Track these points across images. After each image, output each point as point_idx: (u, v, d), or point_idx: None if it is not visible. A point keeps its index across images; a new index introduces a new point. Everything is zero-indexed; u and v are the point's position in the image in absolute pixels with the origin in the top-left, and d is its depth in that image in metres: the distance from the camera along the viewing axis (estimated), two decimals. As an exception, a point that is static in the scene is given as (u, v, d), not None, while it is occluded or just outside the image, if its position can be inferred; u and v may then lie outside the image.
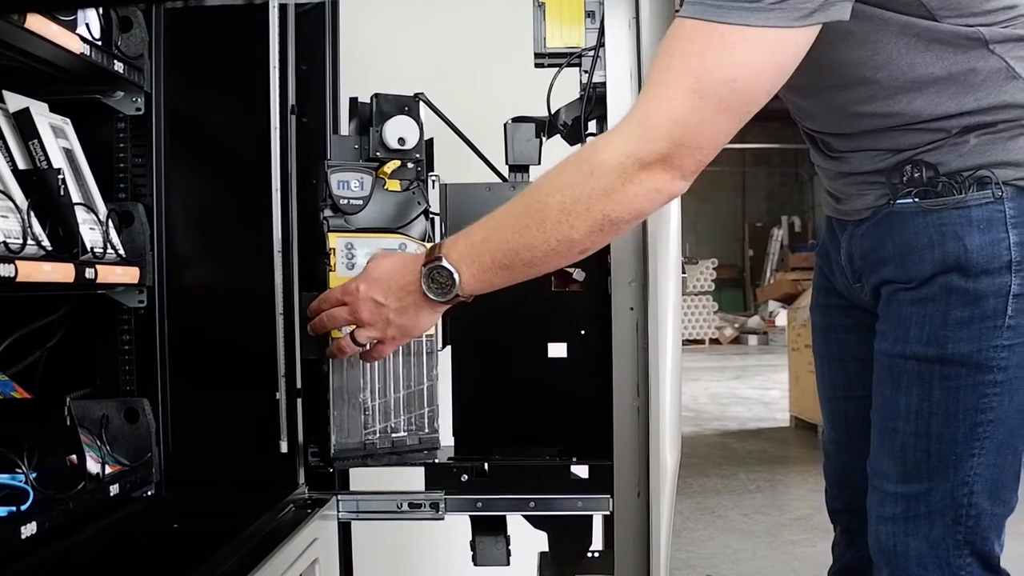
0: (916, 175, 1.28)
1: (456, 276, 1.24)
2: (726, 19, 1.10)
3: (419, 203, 1.54)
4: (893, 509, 1.32)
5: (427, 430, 1.53)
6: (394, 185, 1.52)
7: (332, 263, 1.47)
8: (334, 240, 1.48)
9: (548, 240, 1.19)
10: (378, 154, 1.53)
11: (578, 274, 1.53)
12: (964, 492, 1.28)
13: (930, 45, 1.23)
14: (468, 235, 1.26)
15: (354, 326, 1.36)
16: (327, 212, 1.49)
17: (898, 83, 1.26)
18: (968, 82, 1.25)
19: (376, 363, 1.50)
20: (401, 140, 1.53)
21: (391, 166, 1.51)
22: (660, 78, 1.15)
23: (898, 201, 1.30)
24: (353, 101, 1.57)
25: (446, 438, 1.59)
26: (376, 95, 1.54)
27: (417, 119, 1.55)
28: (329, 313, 1.38)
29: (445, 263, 1.24)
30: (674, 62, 1.14)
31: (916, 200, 1.28)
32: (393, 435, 1.51)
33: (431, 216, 1.56)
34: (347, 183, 1.50)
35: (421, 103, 1.57)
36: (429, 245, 1.31)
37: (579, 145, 1.56)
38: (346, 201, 1.49)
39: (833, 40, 1.21)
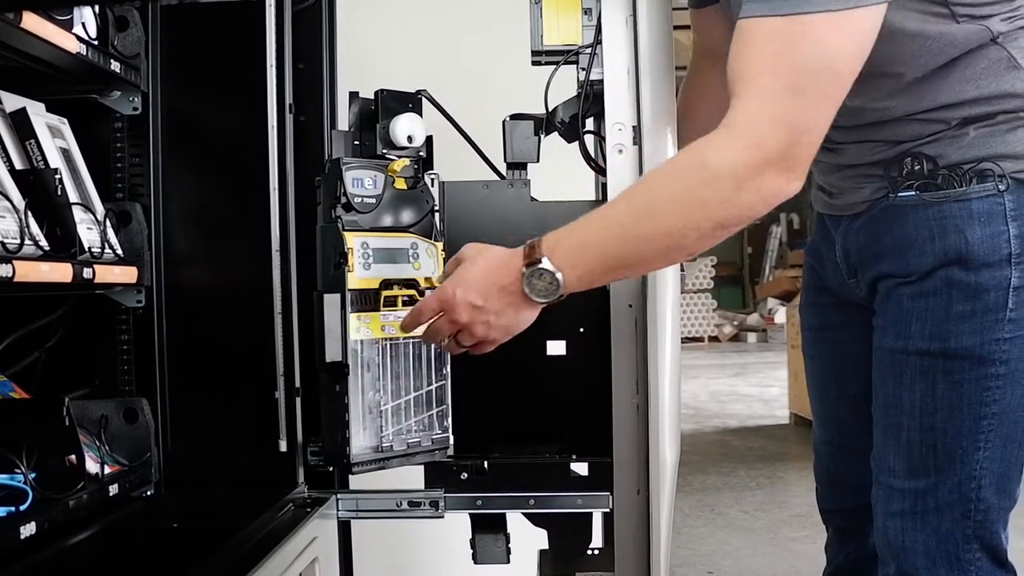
0: (917, 168, 1.28)
1: (560, 278, 1.22)
2: (806, 9, 1.09)
3: (427, 201, 1.54)
4: (900, 505, 1.32)
5: (438, 430, 1.53)
6: (400, 183, 1.52)
7: (350, 263, 1.43)
8: (351, 239, 1.45)
9: (658, 248, 1.19)
10: (384, 151, 1.53)
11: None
12: (972, 486, 1.28)
13: (944, 45, 1.24)
14: (571, 237, 1.22)
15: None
16: (340, 211, 1.46)
17: (905, 78, 1.26)
18: (969, 71, 1.25)
19: (389, 366, 1.48)
20: (410, 138, 1.52)
21: (400, 164, 1.50)
22: (755, 84, 1.13)
23: (899, 194, 1.30)
24: (353, 95, 1.56)
25: (447, 436, 1.59)
26: (381, 91, 1.53)
27: (420, 116, 1.55)
28: (432, 328, 1.34)
29: (548, 265, 1.21)
30: (765, 65, 1.13)
31: (917, 193, 1.28)
32: (407, 437, 1.50)
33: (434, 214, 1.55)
34: (361, 181, 1.48)
35: (424, 100, 1.56)
36: (524, 245, 1.25)
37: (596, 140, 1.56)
38: (360, 199, 1.47)
39: None
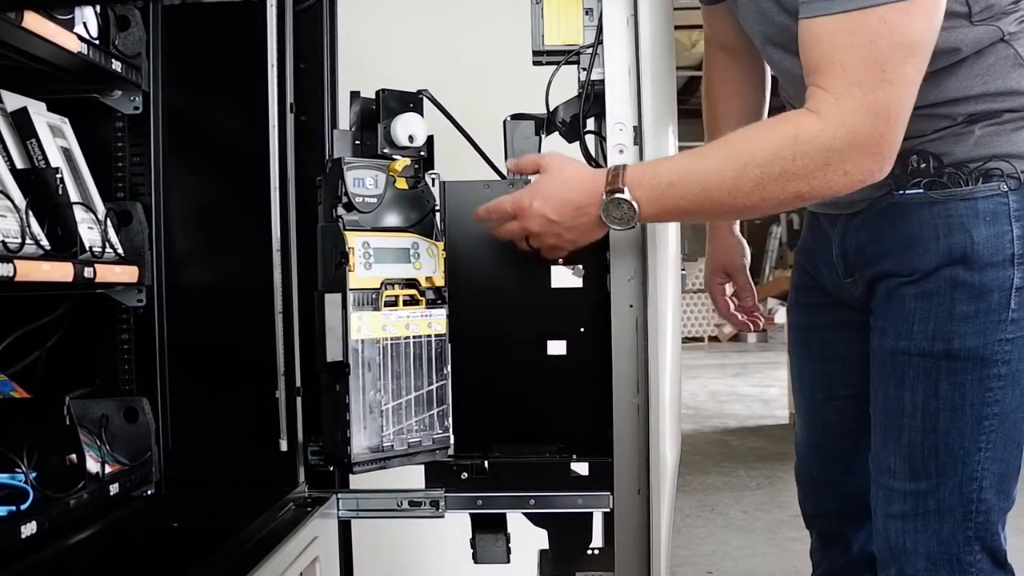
0: (922, 166, 1.28)
1: (637, 210, 1.26)
2: (878, 0, 1.11)
3: (428, 201, 1.54)
4: (901, 507, 1.32)
5: (438, 430, 1.53)
6: (401, 183, 1.52)
7: (351, 263, 1.43)
8: (352, 239, 1.45)
9: (735, 203, 1.22)
10: (385, 151, 1.53)
11: (577, 271, 1.53)
12: (973, 487, 1.28)
13: (956, 45, 1.24)
14: (655, 174, 1.26)
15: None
16: (341, 210, 1.46)
17: None
18: (977, 67, 1.25)
19: (390, 366, 1.48)
20: (411, 137, 1.52)
21: (402, 163, 1.50)
22: (843, 77, 1.15)
23: (906, 192, 1.30)
24: (355, 95, 1.56)
25: (447, 436, 1.59)
26: (382, 91, 1.53)
27: (421, 116, 1.54)
28: (504, 228, 1.39)
29: (628, 196, 1.25)
30: (849, 60, 1.15)
31: (924, 190, 1.28)
32: (408, 437, 1.50)
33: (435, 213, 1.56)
34: (362, 180, 1.48)
35: (425, 100, 1.56)
36: (606, 170, 1.29)
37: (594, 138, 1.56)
38: (361, 199, 1.47)
39: None
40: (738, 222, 1.69)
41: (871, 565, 1.52)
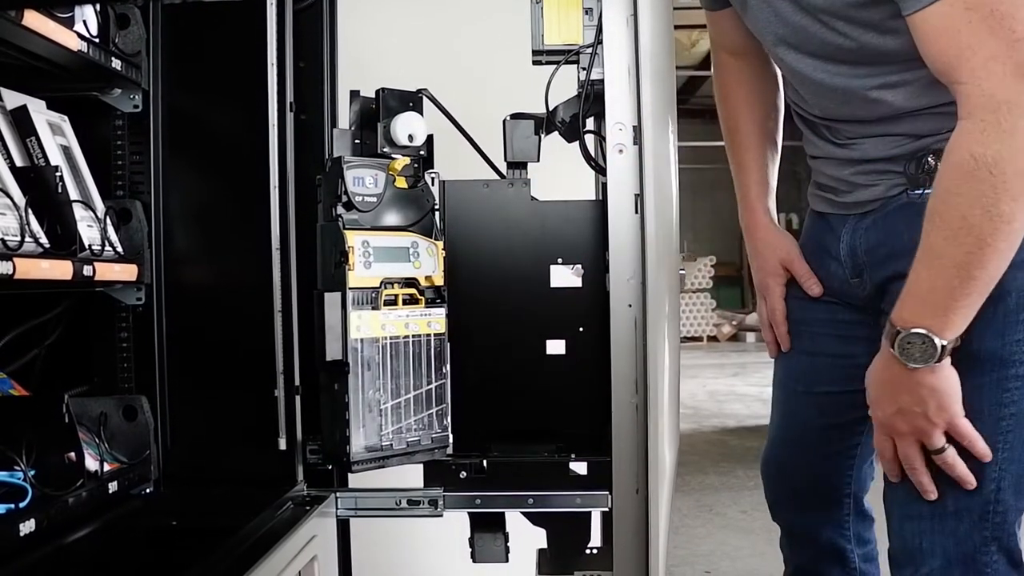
0: (938, 165, 1.26)
1: (930, 336, 1.20)
2: None
3: (428, 200, 1.54)
4: (918, 507, 1.31)
5: (437, 429, 1.53)
6: (401, 182, 1.52)
7: (351, 262, 1.43)
8: (352, 238, 1.45)
9: (993, 253, 1.16)
10: (385, 150, 1.53)
11: (576, 271, 1.53)
12: (991, 488, 1.27)
13: None
14: (909, 293, 1.22)
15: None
16: (340, 209, 1.46)
17: (929, 71, 1.25)
18: None
19: (389, 365, 1.48)
20: (410, 137, 1.52)
21: (401, 163, 1.50)
22: (975, 59, 1.12)
23: (923, 191, 1.28)
24: (354, 94, 1.56)
25: (448, 435, 1.59)
26: (381, 90, 1.53)
27: (421, 115, 1.55)
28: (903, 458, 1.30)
29: (920, 330, 1.20)
30: (975, 39, 1.12)
31: None
32: (407, 436, 1.50)
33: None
34: (362, 179, 1.48)
35: (424, 99, 1.56)
36: (886, 331, 1.23)
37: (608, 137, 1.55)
38: (361, 198, 1.47)
39: (884, 31, 1.22)
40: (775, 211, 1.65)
41: (839, 558, 1.52)
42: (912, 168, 1.29)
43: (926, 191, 1.26)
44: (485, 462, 1.54)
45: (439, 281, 1.53)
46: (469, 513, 1.59)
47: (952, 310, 1.20)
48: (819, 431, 1.48)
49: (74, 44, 1.33)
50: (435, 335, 1.52)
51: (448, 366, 1.53)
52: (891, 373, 1.25)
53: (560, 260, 1.53)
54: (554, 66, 1.53)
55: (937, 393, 1.24)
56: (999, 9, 1.11)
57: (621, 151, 1.46)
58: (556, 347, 1.58)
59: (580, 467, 1.54)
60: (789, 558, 1.60)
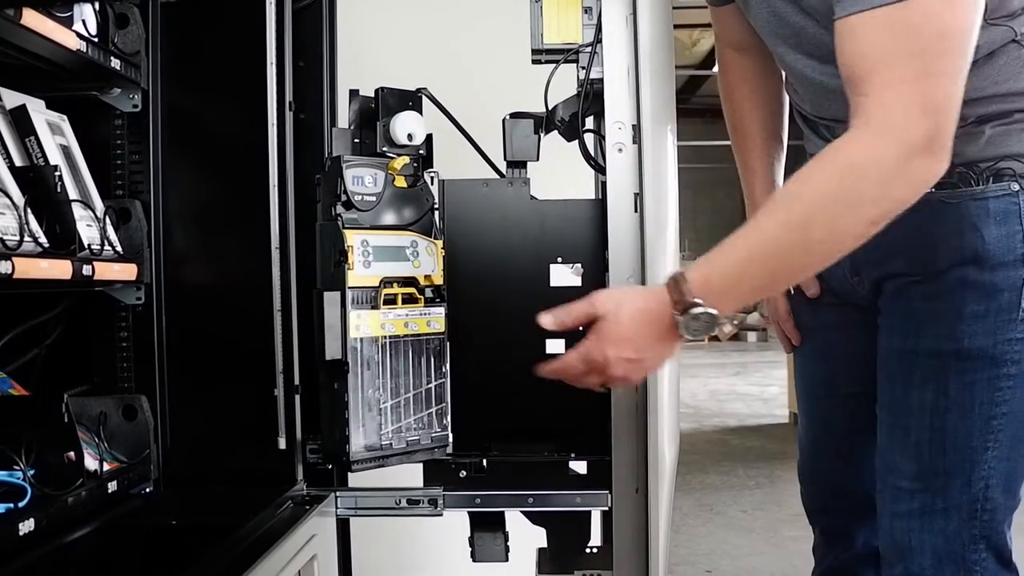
0: None
1: (716, 314, 1.15)
2: None
3: (427, 199, 1.54)
4: (908, 505, 1.31)
5: (437, 428, 1.53)
6: (400, 181, 1.52)
7: (350, 261, 1.43)
8: (351, 237, 1.44)
9: (812, 260, 1.17)
10: (384, 149, 1.53)
11: (576, 270, 1.53)
12: (980, 486, 1.28)
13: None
14: (723, 274, 1.15)
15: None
16: (340, 208, 1.46)
17: None
18: (988, 68, 1.24)
19: (389, 364, 1.48)
20: (410, 136, 1.52)
21: (401, 162, 1.50)
22: (886, 75, 1.11)
23: None
24: (354, 93, 1.56)
25: (447, 434, 1.59)
26: (381, 89, 1.53)
27: (420, 114, 1.54)
28: (580, 382, 1.26)
29: (705, 308, 1.14)
30: (892, 56, 1.11)
31: (933, 191, 1.27)
32: (406, 435, 1.50)
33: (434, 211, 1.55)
34: (361, 179, 1.48)
35: (424, 98, 1.56)
36: (665, 289, 1.16)
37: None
38: (360, 197, 1.47)
39: None
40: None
41: (874, 561, 1.51)
42: None
43: None
44: (485, 461, 1.54)
45: (438, 280, 1.53)
46: (469, 512, 1.59)
47: (747, 297, 1.19)
48: (846, 434, 1.48)
49: (73, 43, 1.33)
50: (434, 334, 1.52)
51: (448, 365, 1.53)
52: (657, 331, 1.18)
53: (560, 259, 1.53)
54: (553, 65, 1.52)
55: (667, 356, 1.22)
56: (920, 38, 1.10)
57: (620, 150, 1.46)
58: (556, 346, 1.57)
59: (580, 466, 1.54)
60: (822, 559, 1.60)
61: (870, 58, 1.12)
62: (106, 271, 1.42)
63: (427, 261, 1.51)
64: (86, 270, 1.34)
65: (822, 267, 1.20)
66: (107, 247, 1.45)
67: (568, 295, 1.54)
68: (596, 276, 1.53)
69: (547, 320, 1.23)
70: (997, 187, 1.25)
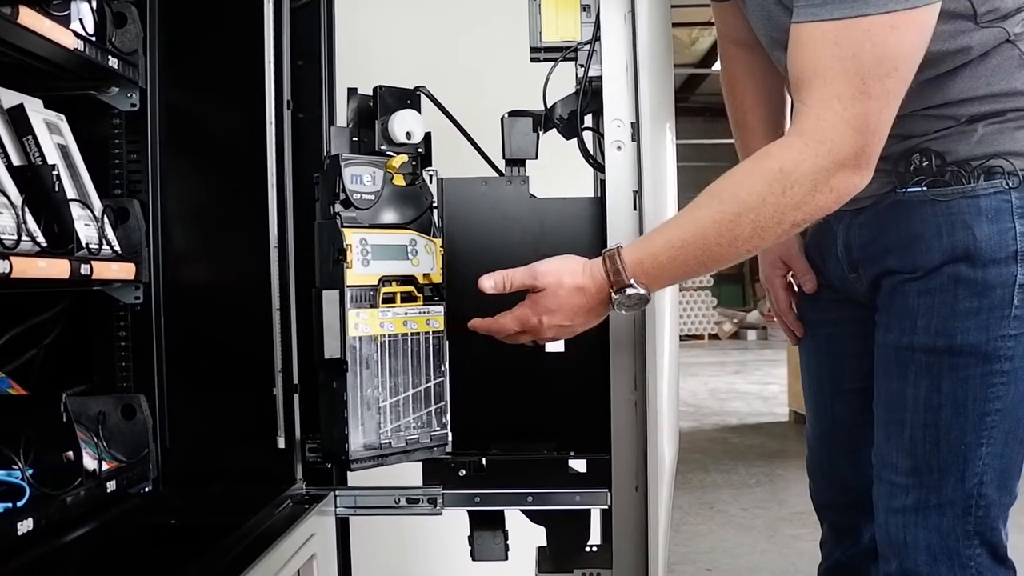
0: (924, 164, 1.28)
1: (646, 294, 1.28)
2: (866, 11, 1.11)
3: (426, 197, 1.53)
4: (903, 501, 1.32)
5: (436, 427, 1.52)
6: (399, 180, 1.51)
7: (348, 260, 1.43)
8: (350, 236, 1.44)
9: (736, 252, 1.25)
10: (383, 147, 1.53)
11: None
12: (974, 483, 1.28)
13: (963, 48, 1.24)
14: (653, 255, 1.27)
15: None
16: (338, 207, 1.45)
17: (920, 77, 1.25)
18: (981, 68, 1.25)
19: (388, 362, 1.48)
20: (408, 134, 1.52)
21: (399, 160, 1.50)
22: (823, 90, 1.15)
23: (908, 190, 1.30)
24: (352, 92, 1.56)
25: (445, 433, 1.59)
26: (379, 87, 1.53)
27: (419, 112, 1.54)
28: (513, 339, 1.39)
29: (638, 289, 1.27)
30: (831, 70, 1.14)
31: (925, 189, 1.28)
32: (406, 434, 1.49)
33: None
34: (360, 177, 1.47)
35: (422, 96, 1.56)
36: (603, 266, 1.29)
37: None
38: (359, 196, 1.47)
39: None
40: None
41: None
42: (901, 167, 1.30)
43: (911, 189, 1.30)
44: (484, 460, 1.54)
45: (437, 279, 1.52)
46: (468, 511, 1.59)
47: (676, 280, 1.34)
48: (852, 429, 1.49)
49: (70, 42, 1.33)
50: (434, 333, 1.51)
51: (447, 364, 1.53)
52: (591, 304, 1.31)
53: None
54: (552, 63, 1.52)
55: (594, 324, 1.37)
56: (862, 58, 1.13)
57: (619, 148, 1.46)
58: (555, 344, 1.57)
59: (579, 465, 1.54)
60: (830, 553, 1.61)
61: (812, 69, 1.16)
62: (104, 270, 1.41)
63: (426, 260, 1.51)
64: (84, 269, 1.34)
65: (746, 257, 1.31)
66: (105, 246, 1.44)
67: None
68: (595, 274, 1.53)
69: (487, 284, 1.35)
70: (988, 185, 1.25)
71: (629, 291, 1.27)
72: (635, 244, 1.30)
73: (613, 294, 1.28)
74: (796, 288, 1.60)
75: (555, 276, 1.32)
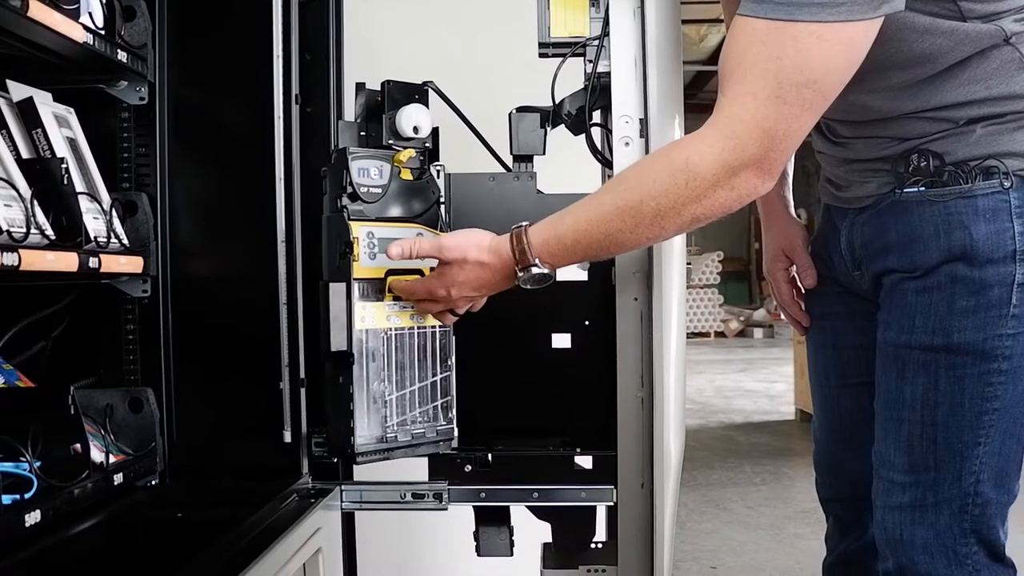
0: (923, 164, 1.28)
1: (550, 273, 1.31)
2: (798, 17, 1.10)
3: (433, 192, 1.53)
4: (900, 498, 1.33)
5: (442, 421, 1.52)
6: (406, 174, 1.51)
7: (355, 253, 1.43)
8: (357, 229, 1.44)
9: (638, 239, 1.27)
10: (390, 142, 1.52)
11: (582, 265, 1.53)
12: (971, 481, 1.28)
13: (955, 44, 1.23)
14: (559, 237, 1.29)
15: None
16: (345, 200, 1.45)
17: (916, 76, 1.26)
18: (980, 71, 1.24)
19: (394, 356, 1.48)
20: (416, 129, 1.52)
21: (407, 154, 1.50)
22: (741, 85, 1.16)
23: (905, 190, 1.30)
24: (360, 86, 1.56)
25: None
26: (387, 82, 1.53)
27: (426, 107, 1.54)
28: (422, 307, 1.45)
29: (543, 268, 1.30)
30: (752, 68, 1.15)
31: (923, 189, 1.28)
32: (412, 428, 1.49)
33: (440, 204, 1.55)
34: (367, 171, 1.47)
35: (430, 91, 1.56)
36: (510, 244, 1.32)
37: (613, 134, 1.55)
38: (366, 189, 1.47)
39: None
40: (792, 201, 1.67)
41: None
42: (900, 168, 1.31)
43: (909, 190, 1.29)
44: (490, 456, 1.54)
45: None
46: (474, 507, 1.59)
47: (579, 260, 1.34)
48: (858, 423, 1.49)
49: (80, 36, 1.33)
50: (440, 327, 1.51)
51: (453, 358, 1.52)
52: (497, 279, 1.35)
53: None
54: (560, 59, 1.52)
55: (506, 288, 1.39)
56: (784, 62, 1.13)
57: (627, 144, 1.46)
58: (562, 341, 1.57)
59: (585, 461, 1.54)
60: (835, 547, 1.61)
61: (737, 62, 1.17)
62: (112, 264, 1.42)
63: (433, 254, 1.51)
64: (92, 262, 1.34)
65: (649, 244, 1.36)
66: (113, 240, 1.45)
67: (574, 289, 1.55)
68: (602, 270, 1.53)
69: (394, 251, 1.39)
70: (986, 185, 1.25)
71: (534, 270, 1.30)
72: (543, 224, 1.31)
73: (518, 271, 1.30)
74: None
75: (460, 252, 1.35)
